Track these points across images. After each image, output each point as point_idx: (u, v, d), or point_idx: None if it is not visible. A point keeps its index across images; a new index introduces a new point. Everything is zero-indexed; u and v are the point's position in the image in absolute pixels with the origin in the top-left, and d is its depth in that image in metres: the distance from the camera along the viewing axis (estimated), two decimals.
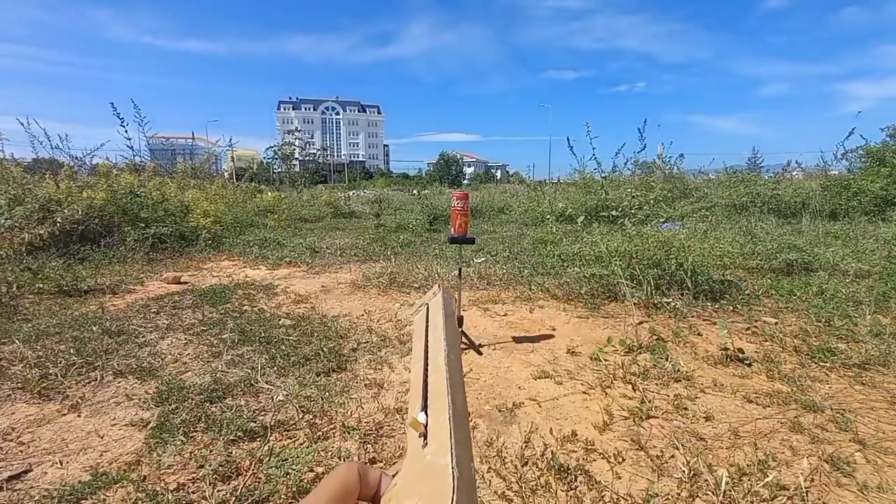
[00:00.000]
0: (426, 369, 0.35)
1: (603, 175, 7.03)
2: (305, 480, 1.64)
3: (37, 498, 1.57)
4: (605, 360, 2.72)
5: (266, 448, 1.81)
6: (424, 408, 0.34)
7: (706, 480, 1.63)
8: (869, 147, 9.38)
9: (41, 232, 5.10)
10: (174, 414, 2.08)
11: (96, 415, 2.13)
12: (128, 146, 9.04)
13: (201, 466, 1.72)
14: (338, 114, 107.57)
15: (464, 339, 2.96)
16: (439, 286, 0.45)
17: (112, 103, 8.27)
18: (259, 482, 1.62)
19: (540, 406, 2.24)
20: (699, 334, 3.14)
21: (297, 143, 18.92)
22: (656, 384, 2.41)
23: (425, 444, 0.31)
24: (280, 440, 1.91)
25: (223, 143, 15.06)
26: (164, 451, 1.81)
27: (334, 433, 1.97)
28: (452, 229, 2.82)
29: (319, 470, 1.71)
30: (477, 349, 2.93)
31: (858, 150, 9.66)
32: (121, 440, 1.94)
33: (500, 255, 5.95)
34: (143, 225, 6.29)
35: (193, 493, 1.58)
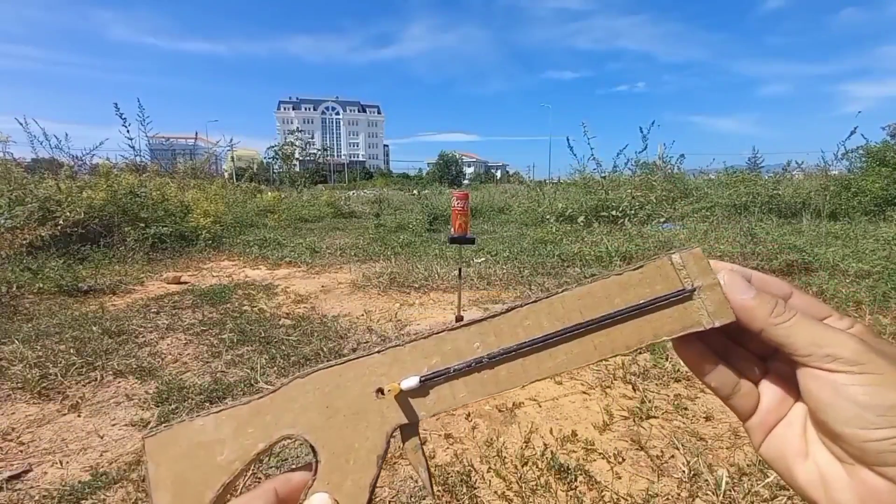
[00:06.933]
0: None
1: (603, 175, 7.04)
2: None
3: (37, 498, 1.57)
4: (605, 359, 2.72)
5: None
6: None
7: (706, 480, 1.63)
8: (869, 147, 9.36)
9: (42, 232, 5.09)
10: (174, 414, 2.08)
11: (96, 415, 2.13)
12: (129, 146, 9.06)
13: None
14: (338, 114, 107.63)
15: None
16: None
17: (116, 104, 8.32)
18: (259, 482, 1.62)
19: (540, 406, 2.24)
20: None
21: (297, 143, 18.85)
22: (656, 384, 2.40)
23: None
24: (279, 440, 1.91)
25: (223, 143, 15.06)
26: None
27: None
28: (452, 229, 2.83)
29: None
30: None
31: (859, 150, 9.64)
32: (121, 440, 1.94)
33: (500, 255, 5.94)
34: (143, 225, 6.29)
35: None
